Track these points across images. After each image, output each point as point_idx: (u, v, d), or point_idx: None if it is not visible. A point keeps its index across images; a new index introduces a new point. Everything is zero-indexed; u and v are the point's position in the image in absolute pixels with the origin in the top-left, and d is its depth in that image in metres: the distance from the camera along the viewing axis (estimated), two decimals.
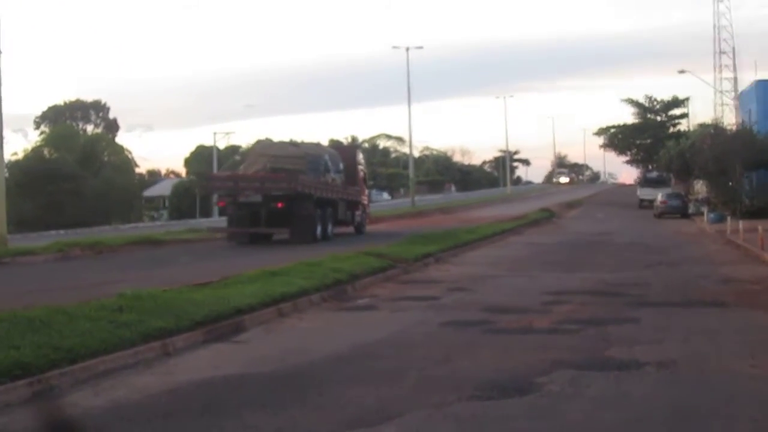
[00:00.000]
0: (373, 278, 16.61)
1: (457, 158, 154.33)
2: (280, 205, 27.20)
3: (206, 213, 76.50)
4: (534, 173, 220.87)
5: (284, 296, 12.89)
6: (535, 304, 13.10)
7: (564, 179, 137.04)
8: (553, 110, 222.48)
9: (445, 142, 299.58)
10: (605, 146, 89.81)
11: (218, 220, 59.48)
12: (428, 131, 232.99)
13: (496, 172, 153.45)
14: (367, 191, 36.45)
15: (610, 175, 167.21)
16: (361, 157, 35.88)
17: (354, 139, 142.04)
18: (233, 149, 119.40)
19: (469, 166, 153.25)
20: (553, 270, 18.82)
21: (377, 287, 15.86)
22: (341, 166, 31.91)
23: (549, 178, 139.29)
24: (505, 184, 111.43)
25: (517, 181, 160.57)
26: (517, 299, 13.77)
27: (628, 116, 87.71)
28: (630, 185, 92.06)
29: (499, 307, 12.73)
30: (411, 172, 66.63)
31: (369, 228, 34.42)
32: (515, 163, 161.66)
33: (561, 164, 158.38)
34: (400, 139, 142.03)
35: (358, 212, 33.10)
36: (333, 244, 26.57)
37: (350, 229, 33.01)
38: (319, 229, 28.26)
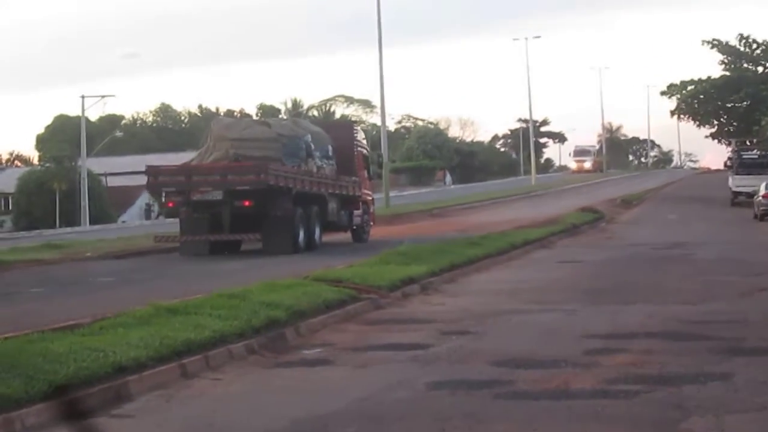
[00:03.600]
0: (328, 317, 16.62)
1: (455, 133, 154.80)
2: (247, 203, 29.72)
3: (70, 220, 76.15)
4: None
5: (190, 346, 12.86)
6: (573, 353, 13.15)
7: (587, 164, 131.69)
8: (599, 58, 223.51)
9: (437, 110, 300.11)
10: (679, 113, 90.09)
11: (90, 230, 59.20)
12: (410, 92, 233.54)
13: (514, 152, 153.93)
14: (370, 183, 38.77)
15: (688, 156, 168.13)
16: (361, 136, 38.14)
17: (296, 103, 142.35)
18: (112, 120, 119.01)
19: (473, 143, 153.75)
20: (601, 301, 18.93)
21: (333, 331, 15.85)
22: (330, 149, 34.22)
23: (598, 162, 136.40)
24: (527, 171, 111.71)
25: (547, 165, 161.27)
26: (547, 346, 13.82)
27: (713, 67, 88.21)
28: (718, 171, 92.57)
29: (519, 359, 12.76)
30: (384, 154, 66.54)
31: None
32: (543, 139, 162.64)
33: (611, 141, 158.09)
34: (366, 104, 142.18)
35: (356, 212, 35.59)
36: (322, 255, 28.29)
37: (346, 234, 35.89)
38: (301, 235, 30.59)
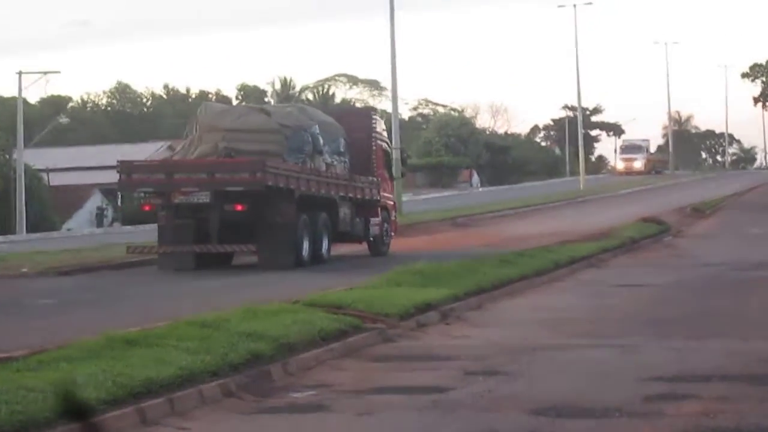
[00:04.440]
0: (323, 351, 16.64)
1: (484, 123, 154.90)
2: (239, 207, 30.25)
3: (3, 226, 76.25)
4: None
5: (151, 386, 12.85)
6: (630, 399, 13.15)
7: (637, 163, 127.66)
8: (665, 30, 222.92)
9: (462, 94, 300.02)
10: (764, 100, 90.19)
11: (28, 239, 59.31)
12: (429, 71, 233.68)
13: (558, 147, 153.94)
14: (391, 184, 39.66)
15: None
16: (381, 127, 38.56)
17: (286, 84, 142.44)
18: (56, 102, 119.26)
19: (507, 136, 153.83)
20: (666, 335, 18.91)
21: (330, 369, 15.88)
22: (343, 143, 35.00)
23: (655, 160, 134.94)
24: (575, 172, 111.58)
25: (599, 164, 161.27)
26: (597, 391, 13.84)
27: None
28: None
29: (562, 407, 12.76)
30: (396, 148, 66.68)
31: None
32: (595, 132, 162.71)
33: (679, 134, 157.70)
34: (374, 86, 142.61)
35: (374, 219, 36.18)
36: (329, 271, 29.15)
37: (362, 246, 36.74)
38: (305, 247, 31.14)
